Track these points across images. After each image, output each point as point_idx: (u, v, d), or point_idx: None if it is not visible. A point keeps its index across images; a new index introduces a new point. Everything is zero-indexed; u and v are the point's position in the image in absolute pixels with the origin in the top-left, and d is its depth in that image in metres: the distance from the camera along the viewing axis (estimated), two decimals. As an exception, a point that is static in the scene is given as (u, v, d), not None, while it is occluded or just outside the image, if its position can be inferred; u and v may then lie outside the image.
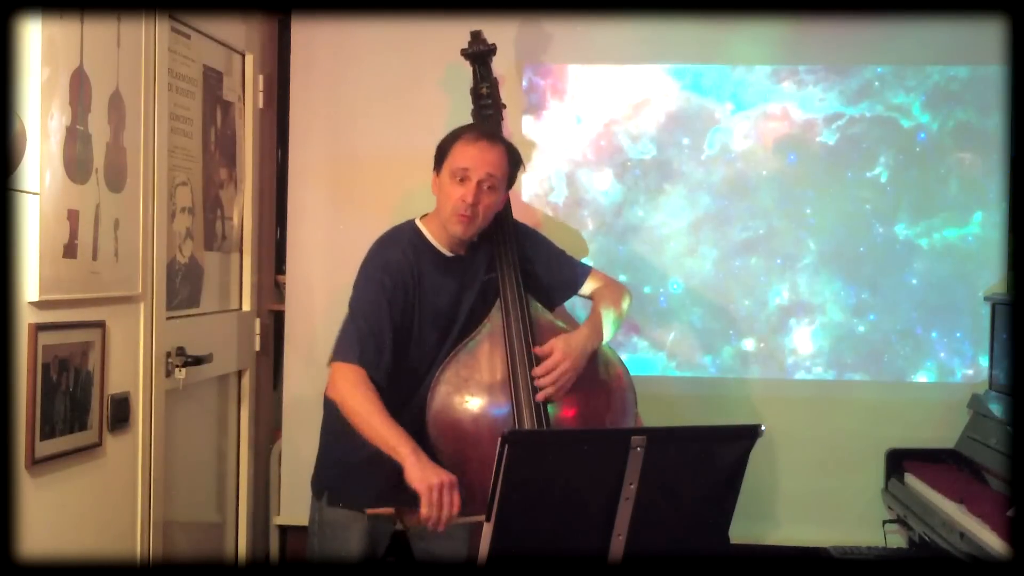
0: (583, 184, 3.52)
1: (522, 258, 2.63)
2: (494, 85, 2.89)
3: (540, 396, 2.46)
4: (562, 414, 2.49)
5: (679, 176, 3.50)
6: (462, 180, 2.45)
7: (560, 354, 2.47)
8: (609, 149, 3.52)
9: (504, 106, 2.92)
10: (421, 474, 2.18)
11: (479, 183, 2.44)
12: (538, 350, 2.50)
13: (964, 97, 3.43)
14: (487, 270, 2.59)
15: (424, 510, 2.16)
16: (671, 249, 3.50)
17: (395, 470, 2.49)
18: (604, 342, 2.60)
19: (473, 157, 2.45)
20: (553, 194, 3.53)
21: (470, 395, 2.48)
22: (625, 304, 2.71)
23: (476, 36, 2.91)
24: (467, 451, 2.46)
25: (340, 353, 2.43)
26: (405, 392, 2.51)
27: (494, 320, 2.54)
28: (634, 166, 3.51)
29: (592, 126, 3.52)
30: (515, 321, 2.52)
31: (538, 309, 2.60)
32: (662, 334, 3.51)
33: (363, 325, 2.43)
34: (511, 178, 2.56)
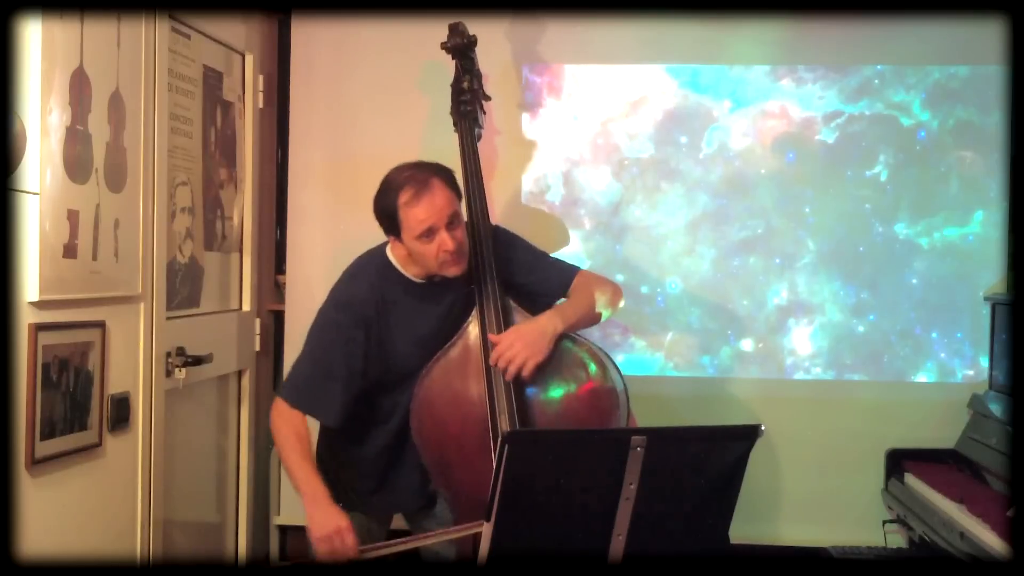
0: (580, 183, 3.52)
1: (501, 264, 2.58)
2: (477, 78, 2.80)
3: (507, 375, 2.44)
4: (540, 419, 2.48)
5: (677, 175, 3.49)
6: (430, 234, 2.38)
7: (512, 334, 2.45)
8: (606, 147, 3.51)
9: (488, 98, 2.85)
10: (312, 523, 2.32)
11: (447, 227, 2.39)
12: (492, 337, 2.48)
13: (965, 95, 3.42)
14: (468, 281, 2.55)
15: (320, 557, 2.30)
16: (669, 248, 3.50)
17: (381, 476, 2.52)
18: (585, 326, 2.57)
19: (427, 214, 2.37)
20: (550, 193, 3.53)
21: (451, 400, 2.48)
22: (604, 298, 2.61)
23: (454, 29, 2.82)
24: (450, 455, 2.47)
25: (284, 389, 2.52)
26: (389, 409, 2.54)
27: (472, 326, 2.53)
28: (631, 165, 3.51)
29: (589, 124, 3.51)
30: (492, 325, 2.50)
31: (518, 313, 2.56)
32: (659, 334, 3.50)
33: (312, 368, 2.49)
34: (458, 193, 2.48)
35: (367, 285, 2.50)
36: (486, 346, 2.49)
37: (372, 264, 2.55)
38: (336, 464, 2.56)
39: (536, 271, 2.66)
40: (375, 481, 2.56)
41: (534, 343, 2.44)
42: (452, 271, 2.44)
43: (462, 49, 2.82)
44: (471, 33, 2.82)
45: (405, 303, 2.51)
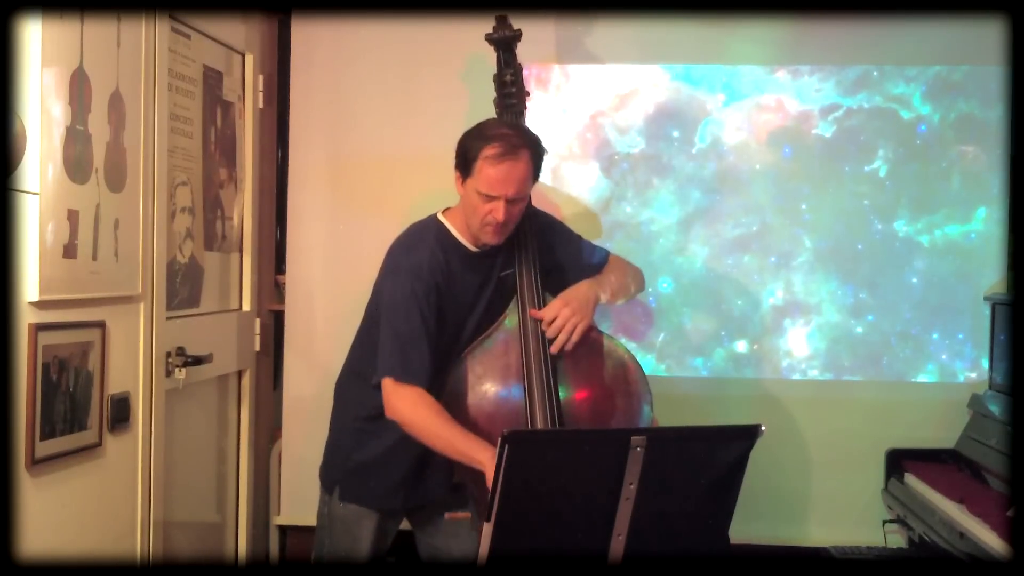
0: (568, 179, 3.50)
1: (541, 248, 2.59)
2: (518, 72, 2.80)
3: (553, 348, 2.45)
4: (574, 416, 2.48)
5: (669, 170, 3.47)
6: (489, 198, 2.41)
7: (558, 302, 2.48)
8: (596, 142, 3.48)
9: (528, 94, 2.84)
10: None
11: (507, 201, 2.41)
12: (535, 313, 2.49)
13: (966, 88, 3.39)
14: (505, 265, 2.57)
15: None
16: (660, 247, 3.48)
17: (409, 467, 2.50)
18: (619, 301, 2.63)
19: (499, 182, 2.39)
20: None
21: (484, 393, 2.48)
22: (634, 285, 2.72)
23: (502, 21, 2.82)
24: None
25: (389, 369, 2.42)
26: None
27: (511, 317, 2.53)
28: (622, 160, 3.48)
29: (578, 118, 3.48)
30: (531, 319, 2.50)
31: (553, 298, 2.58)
32: (651, 335, 3.48)
33: (404, 339, 2.42)
34: (536, 174, 2.50)
35: (429, 252, 2.50)
36: (525, 336, 2.48)
37: (430, 232, 2.56)
38: (360, 455, 2.54)
39: (574, 252, 2.70)
40: (400, 473, 2.54)
41: (581, 308, 2.48)
42: (489, 239, 2.48)
43: (507, 42, 2.80)
44: (516, 28, 2.82)
45: (460, 272, 2.52)
